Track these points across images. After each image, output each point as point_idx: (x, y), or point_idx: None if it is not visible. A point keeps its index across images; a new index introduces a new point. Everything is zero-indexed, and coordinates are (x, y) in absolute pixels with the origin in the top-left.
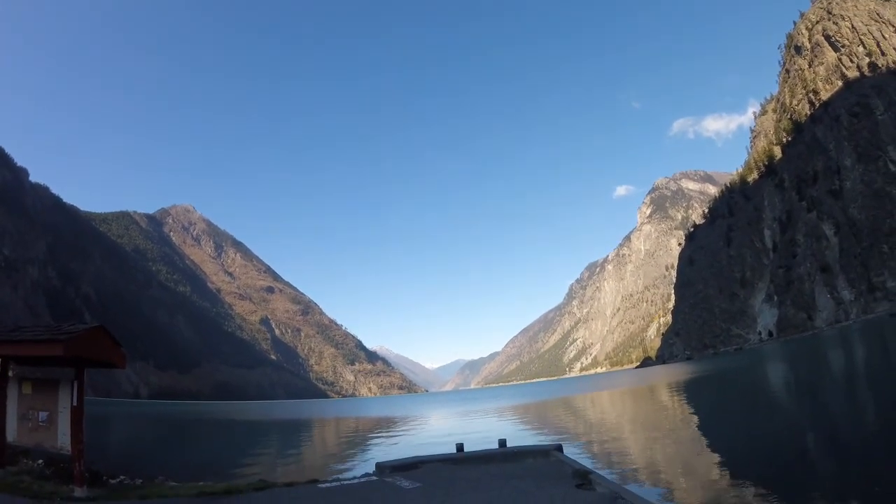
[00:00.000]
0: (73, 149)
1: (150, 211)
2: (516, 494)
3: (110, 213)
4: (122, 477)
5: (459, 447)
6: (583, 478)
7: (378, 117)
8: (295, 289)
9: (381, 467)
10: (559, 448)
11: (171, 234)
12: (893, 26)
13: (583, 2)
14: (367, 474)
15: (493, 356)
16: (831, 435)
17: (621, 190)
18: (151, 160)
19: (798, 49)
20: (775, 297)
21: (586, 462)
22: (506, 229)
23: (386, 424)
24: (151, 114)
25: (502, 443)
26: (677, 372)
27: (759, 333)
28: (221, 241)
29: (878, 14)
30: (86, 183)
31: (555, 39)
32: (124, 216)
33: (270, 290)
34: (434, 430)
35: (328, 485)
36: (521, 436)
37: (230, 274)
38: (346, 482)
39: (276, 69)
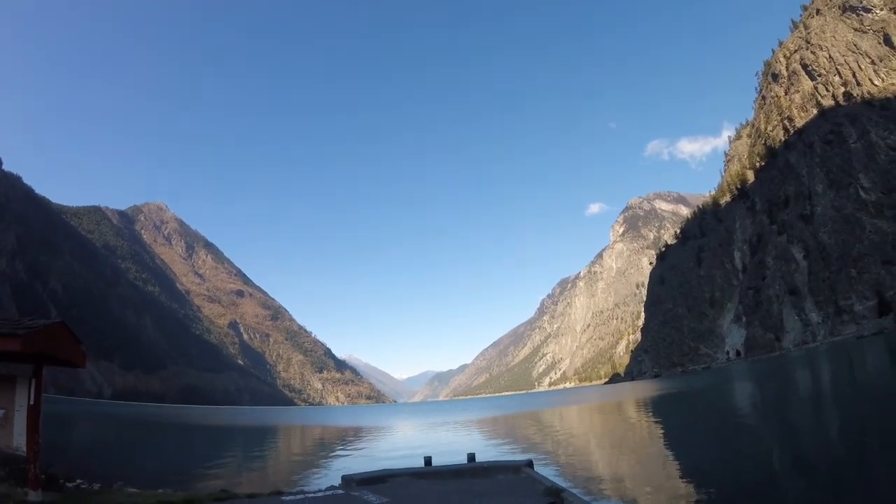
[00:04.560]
0: (47, 140)
1: (123, 207)
2: None
3: (82, 207)
4: (79, 481)
5: (428, 460)
6: (555, 496)
7: (358, 122)
8: (265, 293)
9: (348, 480)
10: (530, 464)
11: (143, 231)
12: (870, 58)
13: (564, 20)
14: (332, 487)
15: (462, 368)
16: (796, 455)
17: (595, 208)
18: (127, 155)
19: (775, 76)
20: (744, 318)
21: (557, 479)
22: (479, 242)
23: (353, 434)
24: (129, 108)
25: (471, 457)
26: (646, 389)
27: (727, 353)
28: (193, 241)
29: (855, 45)
30: (58, 175)
31: (534, 54)
32: (96, 211)
33: (240, 293)
34: (402, 442)
35: (292, 497)
36: (490, 450)
37: (200, 275)
38: (310, 495)
39: (259, 68)
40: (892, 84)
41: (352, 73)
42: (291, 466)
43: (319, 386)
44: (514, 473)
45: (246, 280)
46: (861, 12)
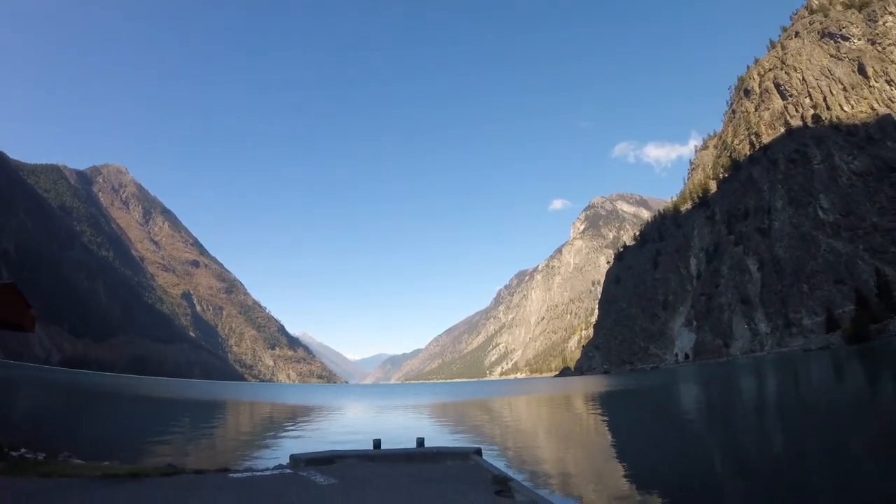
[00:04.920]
0: (6, 94)
1: (82, 167)
2: (435, 498)
3: (40, 164)
4: (23, 450)
5: (377, 443)
6: (502, 484)
7: (327, 98)
8: (221, 265)
9: (296, 460)
10: (478, 451)
11: (100, 194)
12: (843, 84)
13: (550, 16)
14: (280, 466)
15: (415, 353)
16: (735, 456)
17: (558, 203)
18: (89, 114)
19: (747, 92)
20: (694, 322)
21: (505, 467)
22: (440, 229)
23: (303, 414)
24: (95, 68)
25: (420, 442)
26: (595, 384)
27: (676, 355)
28: (151, 207)
29: (829, 70)
30: (17, 130)
31: (513, 46)
32: (54, 170)
33: (196, 263)
34: (352, 424)
35: (240, 475)
36: (439, 435)
37: (156, 243)
38: (258, 473)
39: (229, 36)
40: (861, 111)
41: (317, 48)
42: (239, 444)
43: (271, 363)
44: (463, 460)
45: (202, 250)
46: (839, 40)
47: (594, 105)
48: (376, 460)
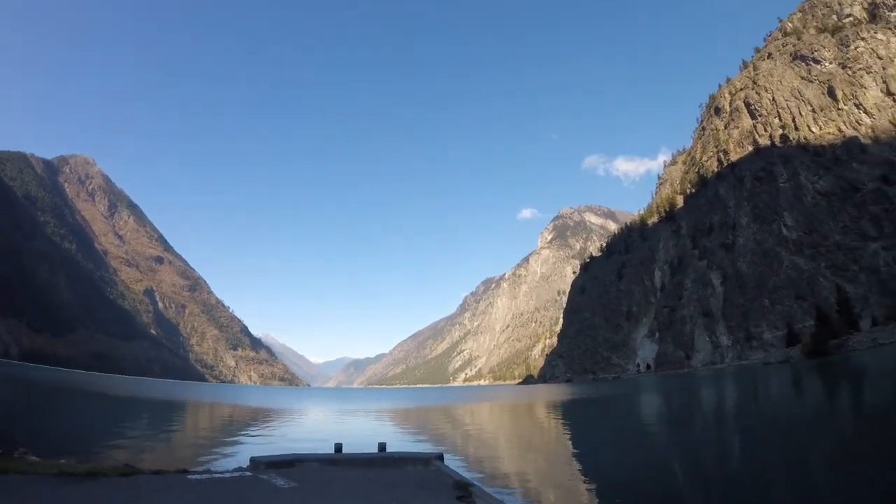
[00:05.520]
0: None
1: (49, 157)
2: (396, 503)
3: (6, 151)
4: None
5: (338, 447)
6: (463, 490)
7: (297, 97)
8: (185, 262)
9: (256, 462)
10: (440, 457)
11: (66, 184)
12: (812, 106)
13: (526, 22)
14: (240, 468)
15: (379, 357)
16: (693, 464)
17: (527, 213)
18: (58, 103)
19: (717, 110)
20: (657, 334)
21: (466, 473)
22: (407, 234)
23: (264, 416)
24: (66, 56)
25: (382, 446)
26: (558, 392)
27: (638, 365)
28: (117, 200)
29: (799, 92)
30: None
31: (487, 54)
32: (20, 157)
33: (160, 260)
34: (313, 427)
35: (198, 476)
36: (401, 441)
37: (120, 237)
38: (217, 475)
39: (206, 30)
40: (829, 133)
41: (291, 43)
42: (199, 445)
43: (233, 363)
44: (425, 466)
45: (167, 246)
46: (811, 63)
47: (566, 116)
48: (337, 464)
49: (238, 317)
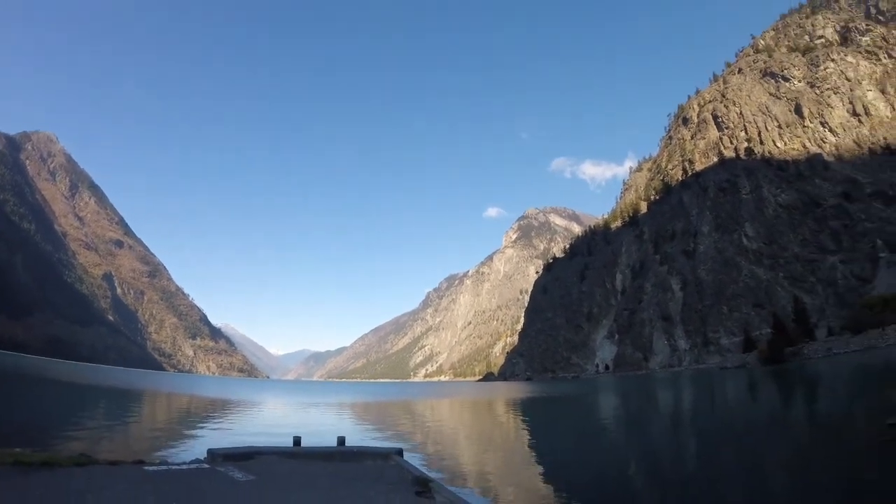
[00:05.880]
0: None
1: (11, 132)
2: (354, 497)
3: None
4: None
5: (297, 440)
6: (423, 485)
7: (271, 82)
8: (145, 247)
9: (214, 454)
10: (400, 452)
11: (28, 162)
12: (778, 122)
13: (497, 23)
14: (197, 460)
15: (340, 351)
16: (648, 461)
17: (493, 211)
18: (22, 77)
19: (685, 121)
20: (616, 336)
21: (426, 469)
22: (373, 227)
23: (222, 407)
24: (37, 30)
25: (341, 440)
26: (517, 390)
27: (597, 365)
28: (78, 180)
29: (766, 108)
30: None
31: (461, 50)
32: None
33: (119, 244)
34: (272, 420)
35: (155, 468)
36: (360, 435)
37: (80, 219)
38: (174, 467)
39: (178, 13)
40: (794, 149)
41: (261, 27)
42: (156, 435)
43: (191, 353)
44: (384, 460)
45: (127, 230)
46: (780, 80)
47: (538, 116)
48: (296, 457)
49: (198, 305)
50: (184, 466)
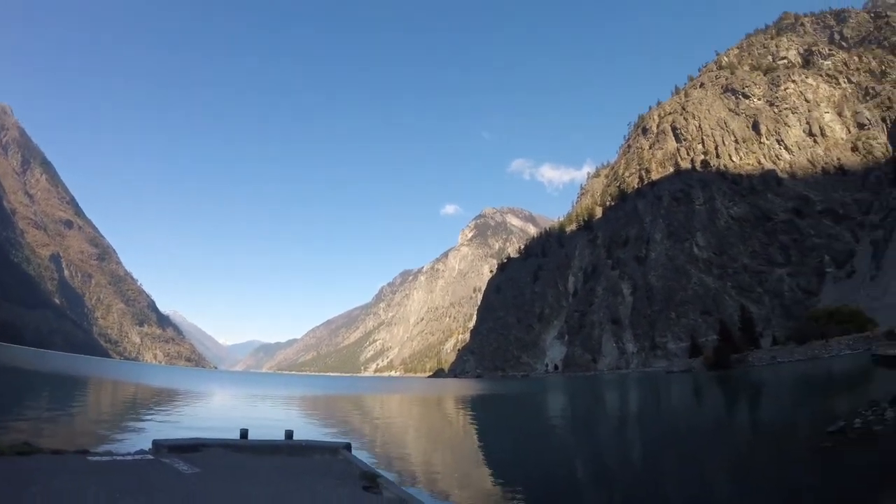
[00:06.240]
0: None
1: None
2: (302, 491)
3: None
4: None
5: (244, 433)
6: (370, 480)
7: (228, 65)
8: (96, 229)
9: (159, 445)
10: (348, 447)
11: None
12: (735, 137)
13: (471, 23)
14: (142, 451)
15: (290, 343)
16: (594, 460)
17: (450, 209)
18: None
19: (645, 130)
20: (566, 336)
21: (374, 464)
22: (328, 220)
23: (168, 397)
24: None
25: (289, 434)
26: (467, 387)
27: (546, 365)
28: (31, 156)
29: (724, 123)
30: None
31: (425, 47)
32: None
33: (69, 224)
34: (218, 411)
35: (99, 458)
36: (309, 429)
37: (30, 196)
38: (119, 457)
39: None
40: (748, 164)
41: (228, 16)
42: (100, 425)
43: (138, 340)
44: (332, 455)
45: (78, 210)
46: (740, 97)
47: (501, 116)
48: (243, 450)
49: (146, 291)
50: (128, 457)
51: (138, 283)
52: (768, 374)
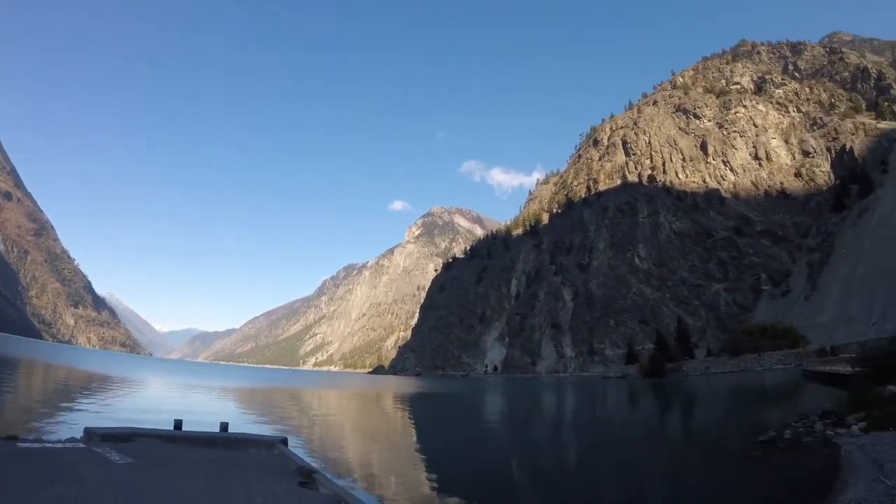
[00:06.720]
0: None
1: None
2: (237, 486)
3: None
4: None
5: (178, 424)
6: (307, 476)
7: (177, 48)
8: (35, 203)
9: (91, 434)
10: (284, 441)
11: None
12: (682, 155)
13: (432, 20)
14: (73, 439)
15: (229, 332)
16: (529, 459)
17: (398, 205)
18: None
19: (596, 142)
20: (507, 338)
21: (310, 459)
22: (273, 209)
23: (101, 383)
24: None
25: (224, 426)
26: (407, 384)
27: (486, 366)
28: None
29: (674, 141)
30: None
31: (384, 44)
32: None
33: (8, 196)
34: (153, 400)
35: (29, 445)
36: (245, 422)
37: None
38: (49, 444)
39: None
40: (693, 182)
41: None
42: (29, 410)
43: (72, 322)
44: (268, 449)
45: (17, 182)
46: (691, 117)
47: (456, 117)
48: (176, 441)
49: (83, 271)
50: (59, 445)
51: (75, 263)
52: (702, 384)
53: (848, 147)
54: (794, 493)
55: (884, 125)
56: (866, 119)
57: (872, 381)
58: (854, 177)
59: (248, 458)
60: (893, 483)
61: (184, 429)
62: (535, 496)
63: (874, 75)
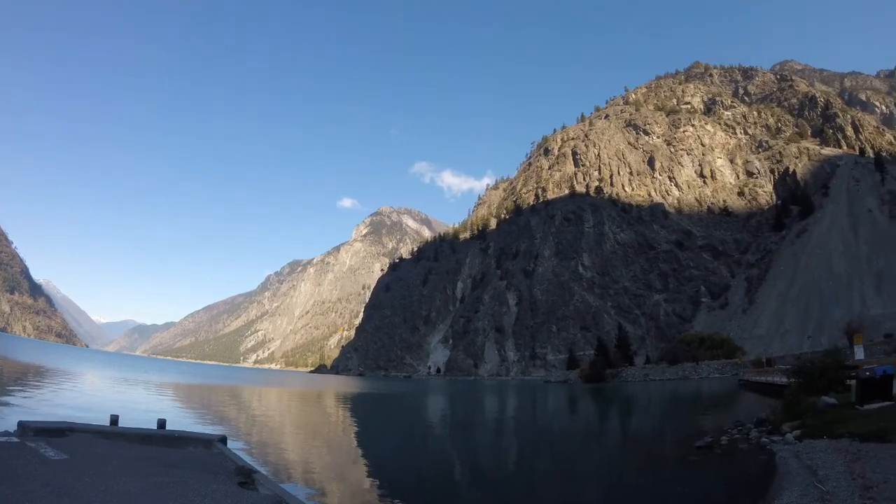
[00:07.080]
0: None
1: None
2: (175, 485)
3: None
4: None
5: (114, 419)
6: (246, 476)
7: (136, 37)
8: None
9: (24, 428)
10: (223, 440)
11: None
12: (630, 169)
13: (400, 19)
14: (6, 432)
15: (168, 326)
16: (469, 460)
17: (347, 202)
18: None
19: (547, 151)
20: (450, 341)
21: (249, 458)
22: (217, 201)
23: (35, 375)
24: None
25: (161, 423)
26: (349, 384)
27: (429, 367)
28: None
29: (623, 155)
30: None
31: (341, 35)
32: None
33: None
34: (89, 394)
35: None
36: (183, 419)
37: None
38: None
39: None
40: (639, 195)
41: None
42: None
43: (7, 309)
44: (206, 447)
45: None
46: (641, 133)
47: (410, 117)
48: (112, 438)
49: (20, 255)
50: None
51: (13, 246)
52: (640, 390)
53: (791, 170)
54: (730, 497)
55: (827, 151)
56: (811, 144)
57: (806, 391)
58: (795, 198)
59: (185, 457)
60: (827, 488)
61: (120, 424)
62: (476, 497)
63: (822, 104)
